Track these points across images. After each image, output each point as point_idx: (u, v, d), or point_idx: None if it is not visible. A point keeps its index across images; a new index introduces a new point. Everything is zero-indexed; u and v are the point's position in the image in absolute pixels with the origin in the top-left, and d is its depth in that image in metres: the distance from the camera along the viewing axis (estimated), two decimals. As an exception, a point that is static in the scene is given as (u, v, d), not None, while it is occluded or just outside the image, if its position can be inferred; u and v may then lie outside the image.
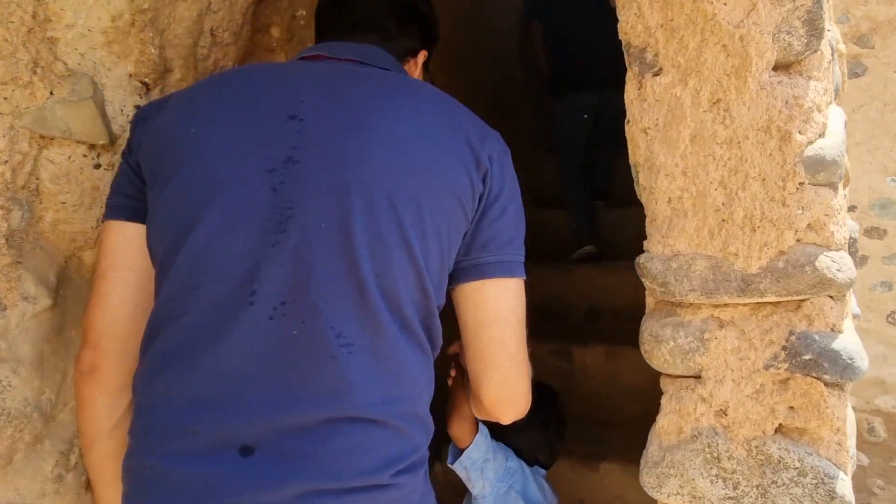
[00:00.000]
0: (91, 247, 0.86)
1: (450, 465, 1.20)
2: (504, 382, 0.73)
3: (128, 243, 0.70)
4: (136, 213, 0.70)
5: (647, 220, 0.95)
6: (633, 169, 0.98)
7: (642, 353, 0.98)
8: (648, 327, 0.97)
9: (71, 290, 0.85)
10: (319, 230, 0.63)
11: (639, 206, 0.98)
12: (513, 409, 0.75)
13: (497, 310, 0.72)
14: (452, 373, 0.99)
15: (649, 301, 1.00)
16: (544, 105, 3.06)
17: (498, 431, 1.24)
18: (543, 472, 1.37)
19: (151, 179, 0.68)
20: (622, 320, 2.10)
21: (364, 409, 0.62)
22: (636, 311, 1.04)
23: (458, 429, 1.14)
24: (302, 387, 0.61)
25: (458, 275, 0.72)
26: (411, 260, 0.65)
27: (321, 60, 0.76)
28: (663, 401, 0.96)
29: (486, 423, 1.19)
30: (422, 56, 0.88)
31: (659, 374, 0.99)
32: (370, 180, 0.64)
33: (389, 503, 0.62)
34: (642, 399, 1.50)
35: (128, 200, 0.71)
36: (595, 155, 2.80)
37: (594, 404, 2.14)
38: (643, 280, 0.97)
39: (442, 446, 1.22)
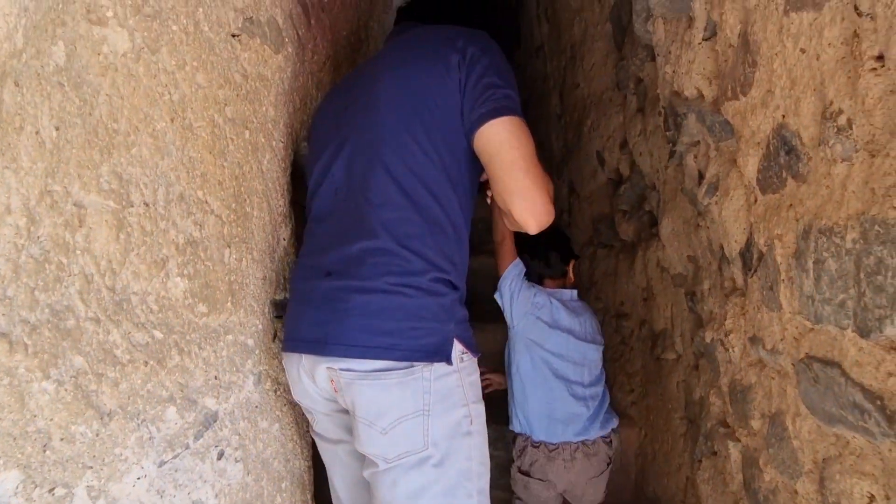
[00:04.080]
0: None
1: (495, 298, 1.49)
2: (524, 197, 0.91)
3: None
4: None
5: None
6: None
7: None
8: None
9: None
10: (360, 144, 1.00)
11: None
12: (535, 218, 0.92)
13: (499, 142, 0.91)
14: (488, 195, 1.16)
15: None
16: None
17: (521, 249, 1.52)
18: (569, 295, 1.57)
19: None
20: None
21: (387, 242, 0.93)
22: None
23: (498, 256, 1.47)
24: (351, 231, 0.97)
25: (467, 131, 0.95)
26: (418, 146, 0.95)
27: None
28: None
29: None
30: None
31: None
32: (380, 112, 0.99)
33: (398, 303, 0.91)
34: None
35: None
36: None
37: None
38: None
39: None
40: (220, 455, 0.94)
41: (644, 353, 1.94)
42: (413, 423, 0.88)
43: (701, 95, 1.01)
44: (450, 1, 1.21)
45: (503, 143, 0.90)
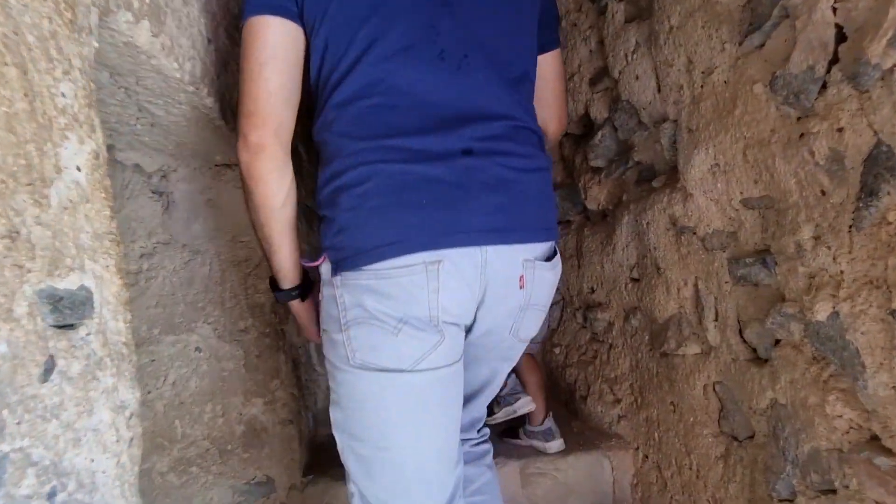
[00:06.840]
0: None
1: None
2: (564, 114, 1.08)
3: (289, 38, 0.80)
4: (296, 15, 0.80)
5: None
6: None
7: None
8: None
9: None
10: (472, 20, 0.84)
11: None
12: (564, 128, 1.10)
13: (560, 67, 1.04)
14: None
15: None
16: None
17: None
18: None
19: None
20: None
21: (531, 121, 0.90)
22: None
23: None
24: (485, 105, 0.83)
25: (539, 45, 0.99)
26: (526, 35, 0.92)
27: None
28: None
29: None
30: None
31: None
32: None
33: (548, 180, 0.88)
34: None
35: (289, 3, 0.80)
36: None
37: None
38: None
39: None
40: None
41: (635, 351, 1.50)
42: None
43: None
44: None
45: (562, 69, 1.05)
